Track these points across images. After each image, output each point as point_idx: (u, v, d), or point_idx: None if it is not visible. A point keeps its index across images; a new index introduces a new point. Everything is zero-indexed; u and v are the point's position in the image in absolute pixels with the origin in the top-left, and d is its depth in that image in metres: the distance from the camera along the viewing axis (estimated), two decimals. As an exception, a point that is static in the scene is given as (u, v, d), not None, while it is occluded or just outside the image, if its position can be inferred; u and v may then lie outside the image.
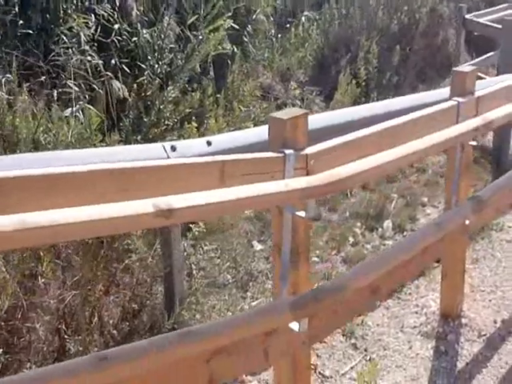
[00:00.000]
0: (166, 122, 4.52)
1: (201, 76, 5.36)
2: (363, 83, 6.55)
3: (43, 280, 2.71)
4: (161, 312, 3.04)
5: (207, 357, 1.97)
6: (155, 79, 4.73)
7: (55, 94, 4.08)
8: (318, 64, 7.06)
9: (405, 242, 3.26)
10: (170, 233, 3.00)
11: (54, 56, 4.30)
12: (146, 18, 5.29)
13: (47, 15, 4.61)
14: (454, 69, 3.21)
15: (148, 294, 3.07)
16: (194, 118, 4.64)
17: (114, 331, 2.87)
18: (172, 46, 5.14)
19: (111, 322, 2.91)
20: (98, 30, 4.66)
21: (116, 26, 4.85)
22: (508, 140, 5.61)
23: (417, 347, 3.26)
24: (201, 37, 5.23)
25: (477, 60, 6.72)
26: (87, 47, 4.48)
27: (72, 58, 4.30)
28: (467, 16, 7.92)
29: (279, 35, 7.03)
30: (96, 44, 4.61)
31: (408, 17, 7.91)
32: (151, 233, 3.19)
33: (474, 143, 3.24)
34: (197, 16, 5.41)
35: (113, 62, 4.73)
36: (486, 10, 8.38)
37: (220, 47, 5.41)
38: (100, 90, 4.36)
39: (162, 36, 5.10)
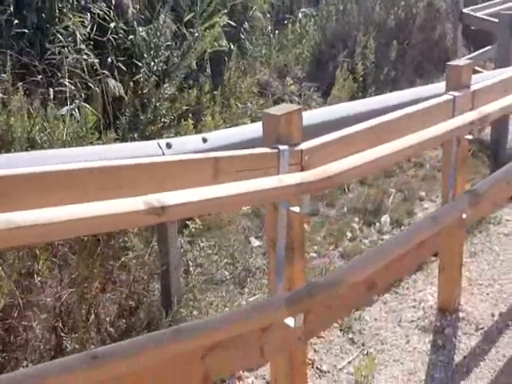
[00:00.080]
0: (163, 120, 4.53)
1: (198, 73, 5.36)
2: (360, 78, 6.56)
3: (39, 278, 2.71)
4: (158, 309, 3.04)
5: (202, 353, 1.98)
6: (151, 77, 4.73)
7: (51, 93, 4.08)
8: (315, 60, 7.06)
9: (401, 236, 3.26)
10: (166, 230, 3.00)
11: (49, 55, 4.30)
12: (142, 16, 5.29)
13: (43, 14, 4.61)
14: (449, 63, 3.20)
15: (145, 291, 3.08)
16: (190, 115, 4.64)
17: (111, 328, 2.87)
18: (168, 43, 5.13)
19: (108, 319, 2.91)
20: (94, 28, 4.66)
21: (112, 25, 4.85)
22: (506, 134, 5.61)
23: (414, 341, 3.26)
24: (197, 34, 5.23)
25: (474, 54, 6.71)
26: (83, 46, 4.48)
27: (68, 57, 4.30)
28: (464, 10, 7.92)
29: (276, 32, 7.02)
30: (92, 43, 4.61)
31: (405, 11, 7.90)
32: (148, 230, 3.20)
33: (470, 137, 3.23)
34: (193, 13, 5.41)
35: (109, 60, 4.73)
36: (483, 4, 8.36)
37: (216, 44, 5.41)
38: (96, 89, 4.36)
39: (158, 34, 5.09)
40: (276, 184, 1.98)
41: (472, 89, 3.10)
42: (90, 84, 4.38)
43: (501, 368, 3.06)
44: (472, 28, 7.98)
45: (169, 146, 2.84)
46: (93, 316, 2.82)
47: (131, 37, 4.97)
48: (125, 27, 4.97)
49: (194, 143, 2.99)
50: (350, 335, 3.31)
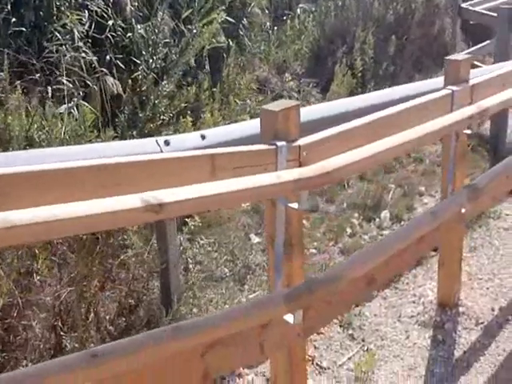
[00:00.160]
0: (162, 117, 4.52)
1: (196, 70, 5.36)
2: (359, 74, 6.55)
3: (39, 277, 2.71)
4: (158, 307, 3.04)
5: (202, 350, 1.98)
6: (150, 74, 4.73)
7: (49, 91, 4.07)
8: (314, 56, 7.05)
9: (400, 231, 3.26)
10: (165, 227, 3.00)
11: (47, 53, 4.29)
12: (140, 13, 5.28)
13: (40, 12, 4.60)
14: (447, 57, 3.19)
15: (144, 290, 3.08)
16: (189, 112, 4.63)
17: (111, 327, 2.87)
18: (166, 40, 5.12)
19: (107, 317, 2.91)
20: (92, 26, 4.65)
21: (110, 22, 4.84)
22: (505, 128, 5.61)
23: (414, 337, 3.26)
24: (195, 31, 5.22)
25: (473, 49, 6.70)
26: (81, 44, 4.47)
27: (66, 55, 4.29)
28: (463, 5, 7.91)
29: (275, 28, 7.01)
30: (90, 40, 4.60)
31: (404, 7, 7.89)
32: (147, 228, 3.19)
33: (469, 131, 3.23)
34: (191, 10, 5.40)
35: (107, 58, 4.72)
36: (482, -1, 8.36)
37: (214, 41, 5.40)
38: (94, 87, 4.35)
39: (157, 31, 5.08)
40: (274, 180, 1.98)
41: (471, 83, 3.09)
42: (89, 82, 4.37)
43: (501, 362, 3.06)
44: (471, 22, 7.97)
45: (167, 143, 2.84)
46: (92, 314, 2.82)
47: (129, 34, 4.96)
48: (123, 25, 4.96)
49: (192, 140, 2.98)
50: (350, 331, 3.31)
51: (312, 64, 6.95)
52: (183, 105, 4.74)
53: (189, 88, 4.92)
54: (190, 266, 3.44)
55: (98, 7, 4.79)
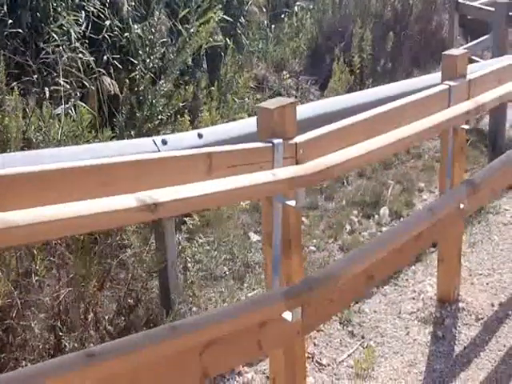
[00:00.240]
0: (160, 117, 4.51)
1: (194, 69, 5.35)
2: (357, 71, 6.54)
3: (37, 278, 2.71)
4: (157, 306, 3.04)
5: (200, 349, 1.98)
6: (147, 74, 4.72)
7: (46, 93, 4.06)
8: (312, 53, 7.05)
9: (399, 227, 3.26)
10: (163, 227, 3.00)
11: (44, 54, 4.29)
12: (137, 13, 5.27)
13: (37, 14, 4.59)
14: (445, 52, 3.19)
15: (143, 289, 3.08)
16: (187, 111, 4.62)
17: (110, 327, 2.87)
18: (164, 39, 5.12)
19: (107, 317, 2.91)
20: (89, 26, 4.64)
21: (107, 22, 4.84)
22: (504, 123, 5.61)
23: (414, 333, 3.26)
24: (192, 30, 5.21)
25: (471, 44, 6.69)
26: (78, 44, 4.47)
27: (63, 56, 4.29)
28: (460, 0, 7.87)
29: (273, 26, 7.01)
30: (87, 41, 4.59)
31: (401, 3, 7.90)
32: (146, 227, 3.19)
33: (467, 127, 3.22)
34: (188, 9, 5.39)
35: (104, 58, 4.72)
36: (480, -7, 8.33)
37: (211, 39, 5.39)
38: (92, 87, 4.35)
39: (154, 30, 5.07)
40: (269, 178, 1.98)
41: (468, 78, 3.09)
42: (86, 82, 4.36)
43: (501, 358, 3.06)
44: (468, 17, 7.94)
45: (164, 142, 2.84)
46: (91, 314, 2.82)
47: (126, 34, 4.95)
48: (120, 25, 4.95)
49: (189, 139, 2.98)
50: (350, 328, 3.30)
51: (310, 61, 6.95)
52: (181, 104, 4.72)
53: (186, 87, 4.90)
54: (189, 264, 3.43)
55: (95, 8, 4.79)
